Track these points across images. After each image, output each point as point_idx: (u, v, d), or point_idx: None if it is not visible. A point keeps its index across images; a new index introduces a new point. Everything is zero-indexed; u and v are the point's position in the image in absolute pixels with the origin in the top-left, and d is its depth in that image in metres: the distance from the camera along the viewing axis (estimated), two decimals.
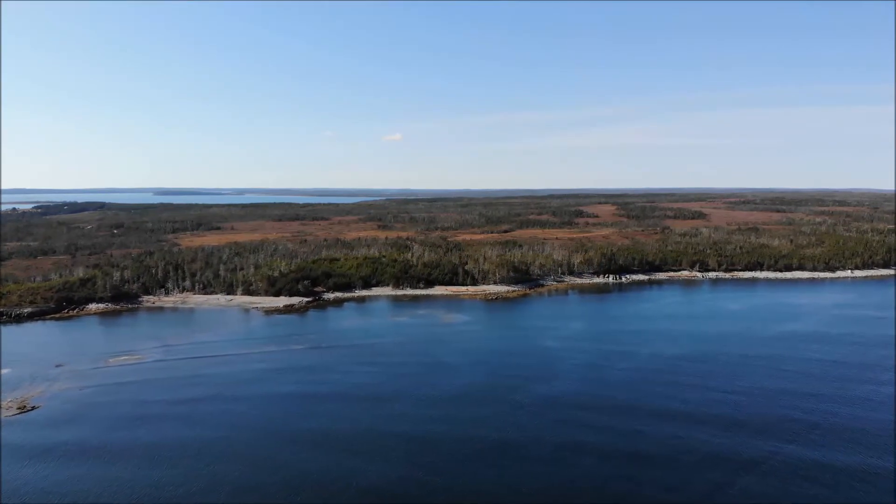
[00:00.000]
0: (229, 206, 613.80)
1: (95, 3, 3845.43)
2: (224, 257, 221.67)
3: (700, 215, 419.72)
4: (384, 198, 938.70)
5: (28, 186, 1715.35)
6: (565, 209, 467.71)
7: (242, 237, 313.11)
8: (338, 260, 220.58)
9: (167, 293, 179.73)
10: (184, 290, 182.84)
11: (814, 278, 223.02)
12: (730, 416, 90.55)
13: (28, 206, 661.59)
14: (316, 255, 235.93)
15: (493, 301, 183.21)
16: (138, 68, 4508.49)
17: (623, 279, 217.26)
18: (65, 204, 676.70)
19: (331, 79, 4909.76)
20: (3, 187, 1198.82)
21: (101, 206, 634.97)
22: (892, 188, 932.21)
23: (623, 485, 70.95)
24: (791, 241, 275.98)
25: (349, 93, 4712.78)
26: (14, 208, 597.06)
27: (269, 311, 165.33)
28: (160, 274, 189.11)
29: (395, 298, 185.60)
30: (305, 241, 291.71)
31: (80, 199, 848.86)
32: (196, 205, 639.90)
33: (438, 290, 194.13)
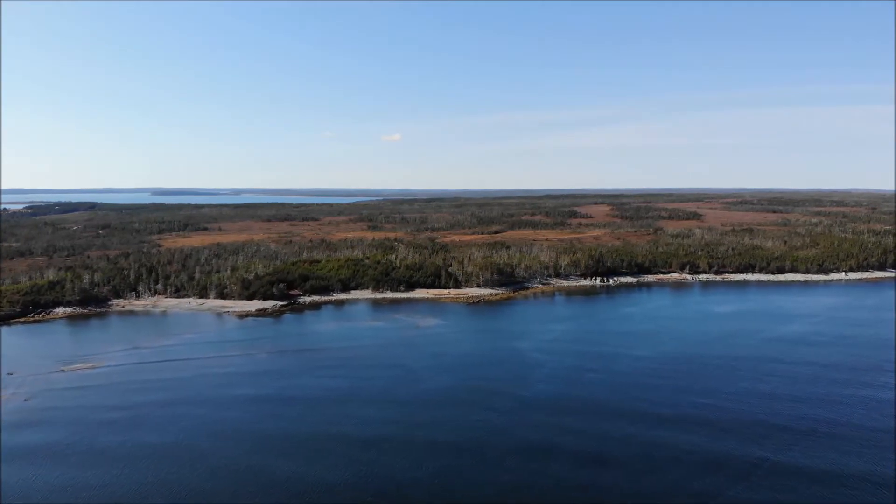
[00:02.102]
0: (220, 206, 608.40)
1: (95, 3, 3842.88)
2: (202, 259, 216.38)
3: (695, 216, 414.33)
4: (382, 198, 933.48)
5: (27, 186, 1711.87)
6: (559, 210, 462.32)
7: (228, 238, 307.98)
8: (319, 262, 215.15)
9: (138, 296, 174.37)
10: (156, 293, 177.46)
11: (807, 281, 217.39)
12: (711, 422, 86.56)
13: (20, 207, 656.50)
14: (299, 256, 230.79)
15: (474, 304, 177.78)
16: (137, 68, 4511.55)
17: (611, 282, 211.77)
18: (56, 204, 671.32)
19: (330, 79, 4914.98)
20: (2, 187, 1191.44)
21: (92, 207, 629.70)
22: (892, 188, 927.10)
23: (589, 494, 67.17)
24: (785, 242, 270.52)
25: (348, 93, 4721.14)
26: (5, 209, 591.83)
27: (242, 315, 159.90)
28: (132, 276, 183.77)
29: (374, 302, 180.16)
30: (291, 242, 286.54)
31: (78, 199, 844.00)
32: (187, 205, 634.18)
33: (419, 293, 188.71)
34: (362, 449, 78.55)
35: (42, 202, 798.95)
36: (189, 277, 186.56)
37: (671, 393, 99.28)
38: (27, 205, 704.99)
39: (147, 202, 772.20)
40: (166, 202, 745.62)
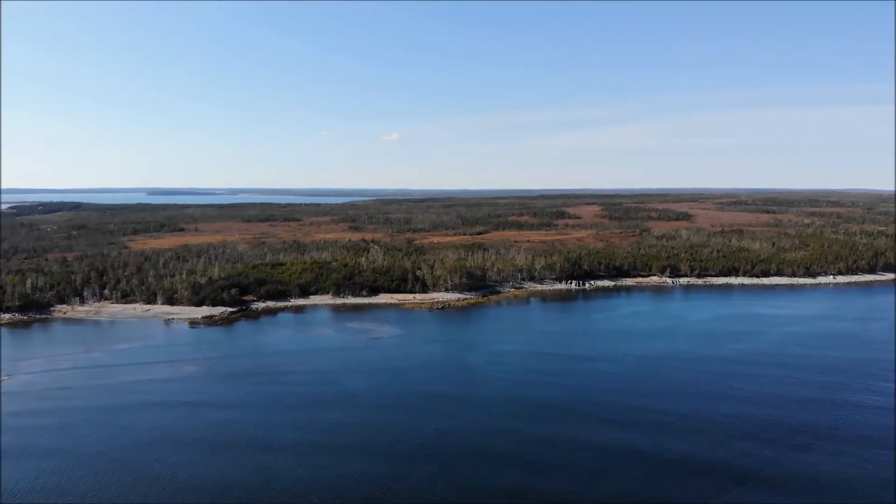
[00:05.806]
0: (205, 206, 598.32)
1: (95, 3, 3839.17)
2: (161, 262, 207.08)
3: (685, 216, 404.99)
4: (378, 198, 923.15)
5: (25, 186, 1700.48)
6: (547, 210, 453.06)
7: (200, 239, 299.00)
8: (282, 264, 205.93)
9: (82, 302, 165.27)
10: (102, 298, 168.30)
11: (792, 285, 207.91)
12: (671, 427, 77.11)
13: (5, 207, 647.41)
14: (266, 259, 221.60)
15: (438, 310, 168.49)
16: (136, 68, 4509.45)
17: (587, 285, 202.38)
18: (40, 204, 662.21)
19: (328, 78, 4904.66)
20: (3, 187, 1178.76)
21: (76, 207, 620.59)
22: (892, 189, 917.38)
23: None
24: (773, 243, 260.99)
25: (346, 93, 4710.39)
26: None
27: (190, 322, 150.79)
28: (79, 281, 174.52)
29: (334, 308, 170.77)
30: (263, 243, 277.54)
31: (73, 199, 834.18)
32: (171, 205, 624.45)
33: (382, 299, 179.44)
34: (273, 454, 75.06)
35: (29, 202, 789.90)
36: (140, 282, 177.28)
37: (629, 400, 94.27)
38: (11, 205, 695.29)
39: (139, 202, 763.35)
40: (160, 202, 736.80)
